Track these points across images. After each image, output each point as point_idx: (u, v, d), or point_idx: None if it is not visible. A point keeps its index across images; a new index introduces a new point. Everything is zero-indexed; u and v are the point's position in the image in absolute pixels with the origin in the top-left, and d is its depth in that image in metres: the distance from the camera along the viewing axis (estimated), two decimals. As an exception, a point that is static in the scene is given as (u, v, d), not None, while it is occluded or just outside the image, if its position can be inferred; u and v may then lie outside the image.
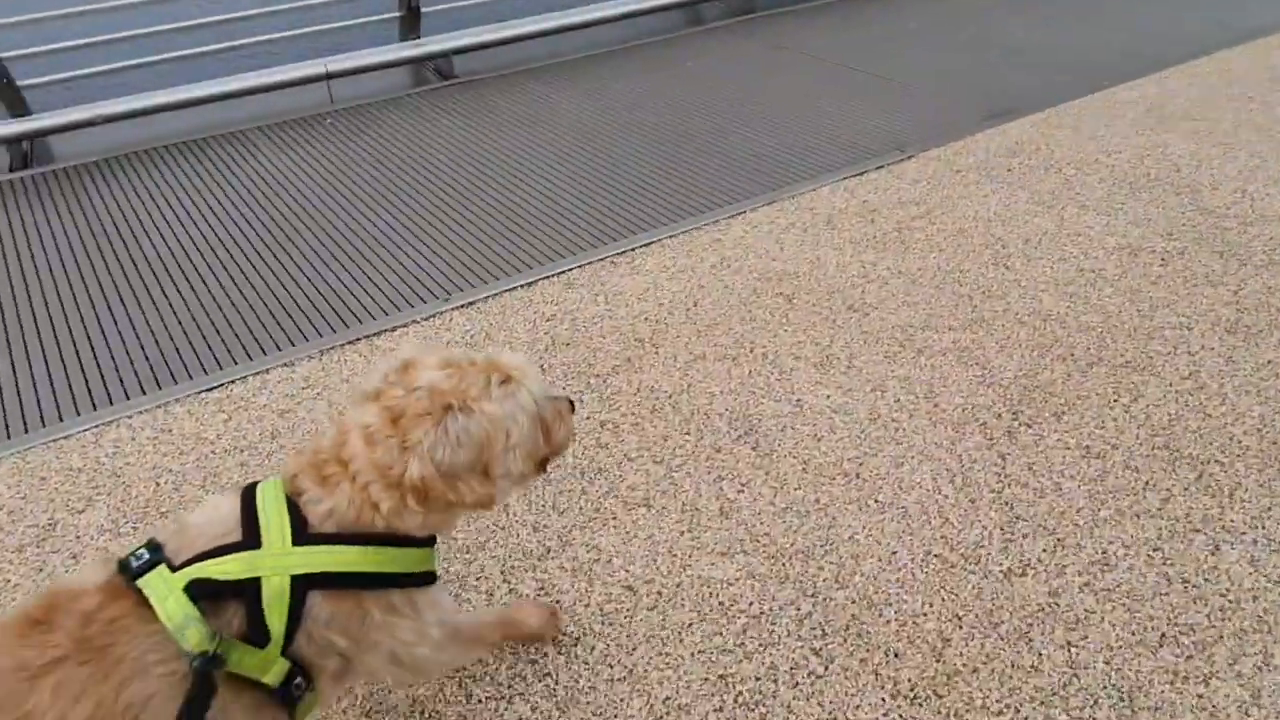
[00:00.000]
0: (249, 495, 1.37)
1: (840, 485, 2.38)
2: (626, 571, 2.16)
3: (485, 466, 1.40)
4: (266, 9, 5.16)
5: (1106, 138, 4.28)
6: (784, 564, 2.16)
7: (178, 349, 3.02)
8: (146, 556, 1.27)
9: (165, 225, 3.79)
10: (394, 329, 3.07)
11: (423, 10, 5.49)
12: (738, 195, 3.91)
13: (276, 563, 1.29)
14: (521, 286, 3.29)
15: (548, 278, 3.33)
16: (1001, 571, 2.12)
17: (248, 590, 1.27)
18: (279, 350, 2.99)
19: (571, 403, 1.63)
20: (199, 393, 2.81)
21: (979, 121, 4.53)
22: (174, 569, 1.26)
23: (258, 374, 2.88)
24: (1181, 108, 4.58)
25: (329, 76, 4.77)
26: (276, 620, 1.28)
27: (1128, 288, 3.15)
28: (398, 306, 3.21)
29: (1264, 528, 2.21)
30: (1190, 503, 2.29)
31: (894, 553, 2.18)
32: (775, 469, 2.44)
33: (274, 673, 1.30)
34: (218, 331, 3.11)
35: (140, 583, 1.23)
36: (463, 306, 3.17)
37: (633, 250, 3.48)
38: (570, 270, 3.37)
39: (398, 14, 5.50)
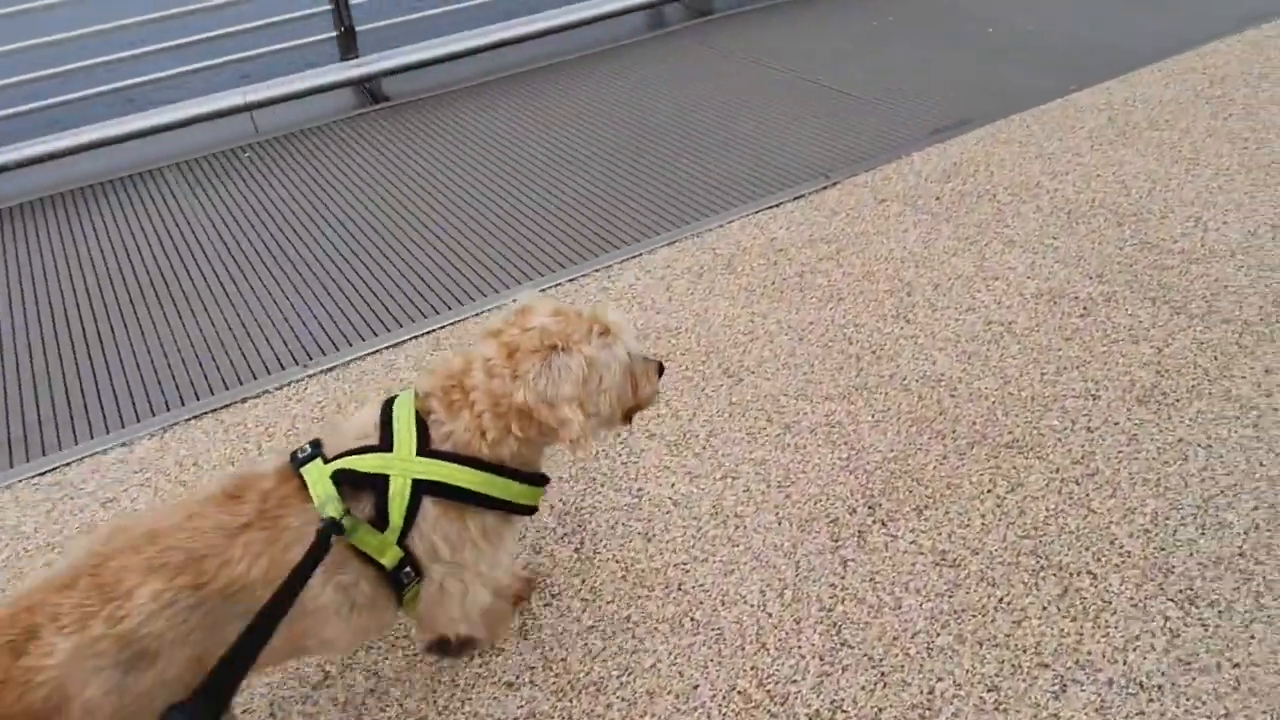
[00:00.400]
0: (387, 407, 1.66)
1: (658, 598, 2.13)
2: (400, 706, 1.95)
3: (580, 402, 1.61)
4: (202, 36, 5.00)
5: (1056, 155, 3.87)
6: (571, 700, 1.93)
7: (24, 425, 2.90)
8: (309, 451, 1.58)
9: (35, 285, 3.66)
10: (244, 400, 2.89)
11: (357, 29, 5.30)
12: (641, 233, 3.62)
13: (403, 466, 1.57)
14: (388, 348, 3.08)
15: (417, 337, 3.11)
16: (807, 716, 1.86)
17: (379, 483, 1.56)
18: (122, 427, 2.85)
19: (661, 366, 1.83)
20: (34, 476, 2.67)
21: (924, 137, 4.14)
22: (326, 462, 1.56)
23: (94, 454, 2.72)
24: (1149, 115, 4.12)
25: (248, 107, 4.60)
26: (397, 512, 1.55)
27: (1036, 345, 2.80)
28: (255, 374, 3.02)
29: (1125, 663, 1.90)
30: (1046, 627, 1.98)
31: (695, 687, 1.93)
32: (593, 576, 2.20)
33: (389, 556, 1.57)
34: (69, 404, 2.97)
35: (302, 470, 1.54)
36: (320, 373, 2.98)
37: (512, 303, 3.24)
38: (443, 328, 3.15)
39: (334, 34, 5.32)
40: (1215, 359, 2.67)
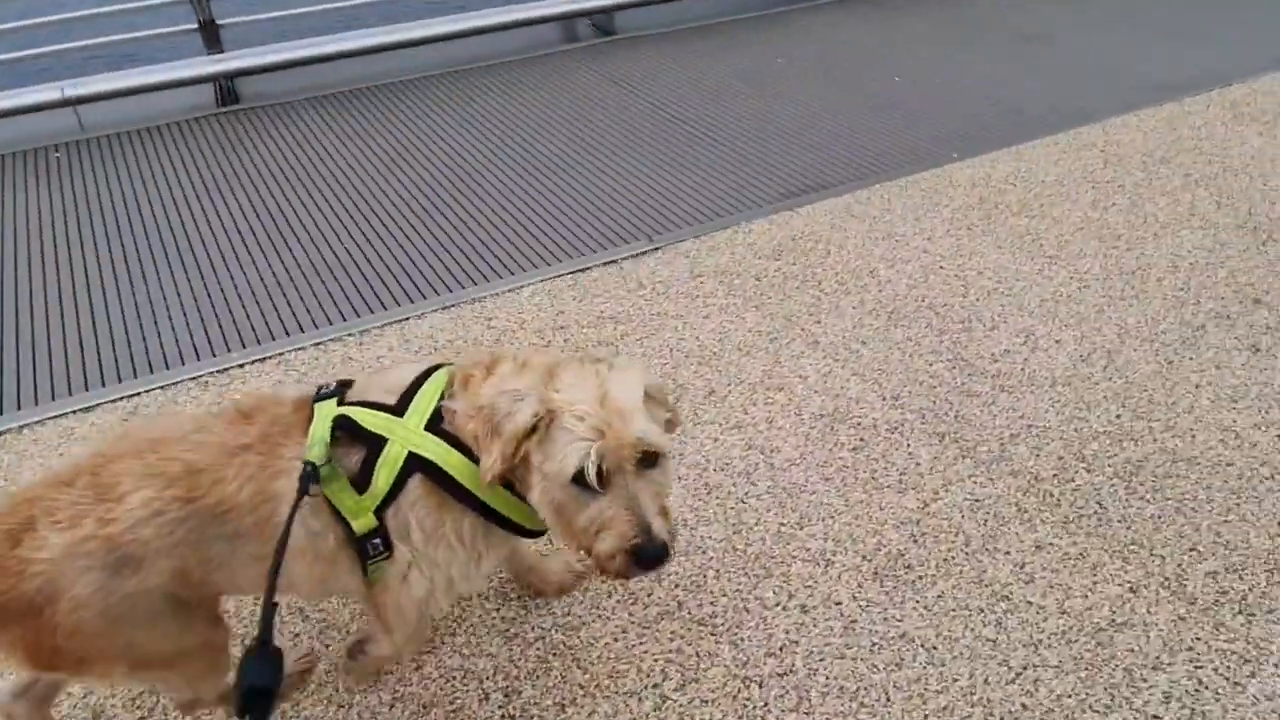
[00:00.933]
0: (427, 373, 1.54)
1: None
2: None
3: (522, 460, 1.40)
4: (35, 21, 4.53)
5: (905, 238, 3.39)
6: None
7: None
8: (332, 388, 1.52)
9: None
10: (-115, 467, 2.47)
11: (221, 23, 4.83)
12: (423, 292, 3.14)
13: (405, 434, 1.45)
14: (75, 413, 2.63)
15: (113, 401, 2.67)
16: None
17: (374, 443, 1.45)
18: None
19: (654, 550, 1.36)
20: None
21: (775, 200, 3.67)
22: (342, 404, 1.47)
23: None
24: (1023, 197, 3.64)
25: (67, 102, 4.14)
26: (383, 478, 1.44)
27: (789, 484, 2.34)
28: (-85, 432, 2.60)
29: None
30: None
31: None
32: (148, 759, 1.78)
33: (361, 522, 1.45)
34: None
35: (316, 406, 1.47)
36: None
37: (241, 367, 2.78)
38: (147, 392, 2.68)
39: (194, 27, 4.85)
40: (984, 524, 2.22)
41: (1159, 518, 2.21)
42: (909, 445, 2.44)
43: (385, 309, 3.06)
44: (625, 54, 5.25)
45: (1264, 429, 2.46)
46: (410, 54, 5.20)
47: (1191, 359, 2.74)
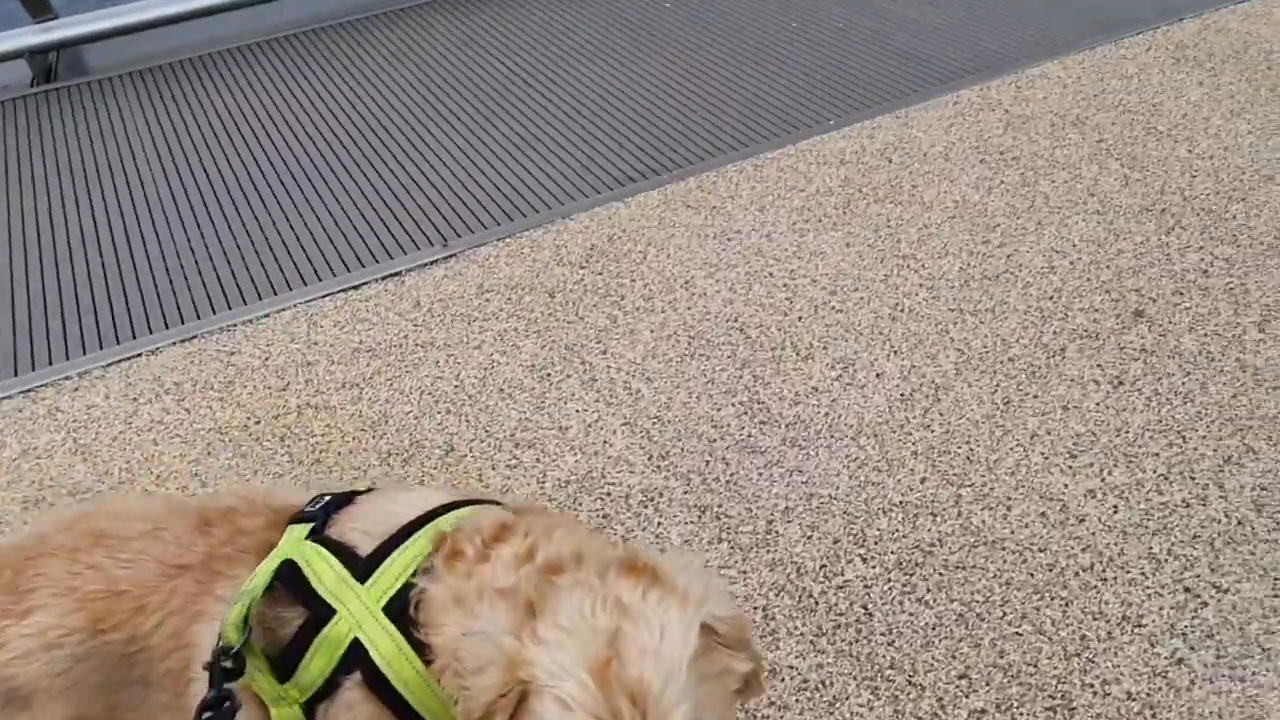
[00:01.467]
0: (434, 514, 1.11)
1: None
2: None
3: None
4: None
5: (741, 234, 2.86)
6: None
7: None
8: (317, 509, 1.14)
9: None
10: None
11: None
12: (168, 319, 2.69)
13: (358, 611, 1.03)
14: None
15: None
16: None
17: (316, 611, 1.04)
18: None
19: None
20: None
21: (604, 188, 3.13)
22: (318, 533, 1.10)
23: None
24: (893, 176, 3.05)
25: None
26: (317, 666, 1.03)
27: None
28: None
29: None
30: None
31: None
32: None
33: (280, 714, 1.05)
34: None
35: (288, 529, 1.11)
36: None
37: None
38: None
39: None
40: (717, 638, 1.81)
41: (933, 629, 1.77)
42: (659, 523, 2.01)
43: (119, 343, 2.65)
44: (497, 4, 4.63)
45: (1099, 498, 1.98)
46: (278, 7, 4.65)
47: (1036, 397, 2.23)
